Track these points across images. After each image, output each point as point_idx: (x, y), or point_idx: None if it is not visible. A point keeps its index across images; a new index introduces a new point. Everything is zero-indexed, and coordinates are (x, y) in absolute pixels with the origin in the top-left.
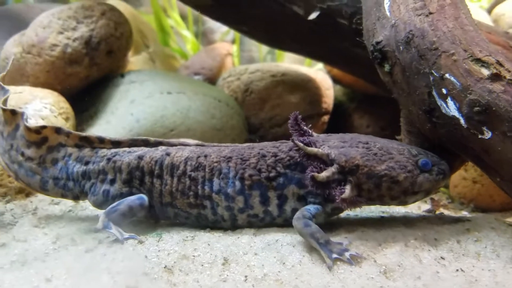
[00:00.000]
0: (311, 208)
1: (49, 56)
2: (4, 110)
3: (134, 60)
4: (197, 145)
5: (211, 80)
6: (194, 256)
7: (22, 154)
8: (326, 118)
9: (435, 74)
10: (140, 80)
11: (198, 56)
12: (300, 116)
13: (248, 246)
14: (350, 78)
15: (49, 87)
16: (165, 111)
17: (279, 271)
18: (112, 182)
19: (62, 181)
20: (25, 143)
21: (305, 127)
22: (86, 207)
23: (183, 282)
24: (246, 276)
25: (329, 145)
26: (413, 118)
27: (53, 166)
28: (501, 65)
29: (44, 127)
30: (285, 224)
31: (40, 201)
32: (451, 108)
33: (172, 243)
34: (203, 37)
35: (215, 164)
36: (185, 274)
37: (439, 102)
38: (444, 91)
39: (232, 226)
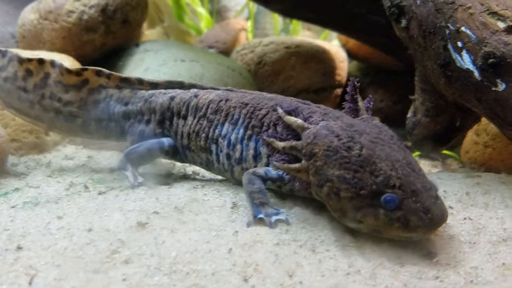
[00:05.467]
0: (273, 171)
1: (65, 22)
2: (30, 60)
3: (149, 34)
4: (226, 89)
5: (225, 53)
6: (204, 200)
7: (59, 100)
8: (339, 91)
9: (451, 27)
10: (155, 49)
11: (212, 30)
12: (358, 84)
13: None
14: (365, 51)
15: (65, 53)
16: (179, 78)
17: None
18: (148, 122)
19: (104, 122)
20: (62, 88)
21: (359, 100)
22: (100, 161)
23: (193, 221)
24: None
25: (329, 123)
26: (428, 73)
27: (95, 108)
28: None
29: (85, 69)
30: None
31: (54, 156)
32: (465, 61)
33: (183, 190)
34: (218, 15)
35: (232, 109)
36: (194, 214)
37: (454, 55)
38: (459, 44)
39: (232, 178)
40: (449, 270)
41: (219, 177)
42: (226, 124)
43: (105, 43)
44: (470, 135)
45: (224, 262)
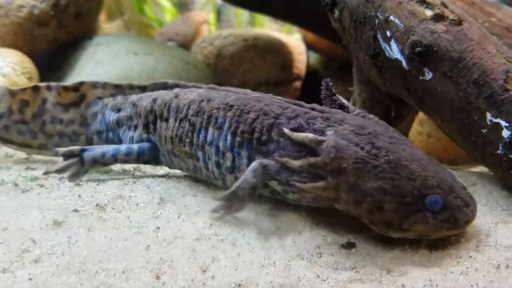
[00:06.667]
0: (285, 175)
1: (16, 17)
2: (24, 90)
3: (108, 27)
4: (208, 87)
5: (185, 46)
6: (130, 196)
7: (61, 122)
8: (298, 84)
9: (380, 17)
10: (108, 42)
11: (173, 23)
12: (331, 84)
13: (188, 188)
14: (323, 43)
15: (17, 49)
16: (131, 72)
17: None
18: (136, 128)
19: (104, 133)
20: (61, 109)
21: (339, 97)
22: (39, 159)
23: (113, 218)
24: (180, 214)
25: (337, 130)
26: (361, 64)
27: (94, 121)
28: (445, 6)
29: (81, 83)
30: (273, 196)
31: None
32: (394, 50)
33: (112, 186)
34: (184, 8)
35: (215, 111)
36: (117, 211)
37: (383, 45)
38: (388, 33)
39: (224, 186)
40: (366, 260)
41: (153, 172)
42: (211, 129)
43: (57, 38)
44: (415, 126)
45: (139, 260)
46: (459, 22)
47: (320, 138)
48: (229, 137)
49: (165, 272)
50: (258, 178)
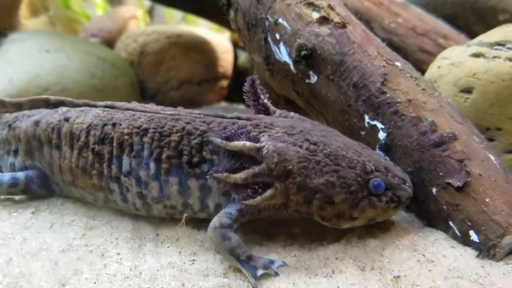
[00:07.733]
0: (232, 210)
1: None
2: None
3: (31, 24)
4: (105, 106)
5: (110, 43)
6: (4, 205)
7: None
8: (224, 83)
9: (270, 19)
10: (22, 39)
11: (98, 18)
12: (258, 82)
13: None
14: None
15: None
16: (40, 70)
17: (87, 218)
18: (16, 153)
19: None
20: None
21: (262, 96)
22: None
23: None
24: (53, 223)
25: (271, 134)
26: (256, 66)
27: None
28: (332, 8)
29: None
30: (210, 219)
31: None
32: (283, 53)
33: None
34: (117, 3)
35: (126, 136)
36: None
37: (273, 48)
38: (277, 36)
39: (148, 215)
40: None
41: None
42: (125, 158)
43: None
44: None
45: None
46: (343, 25)
47: (258, 145)
48: (151, 165)
49: (21, 286)
50: (230, 235)
